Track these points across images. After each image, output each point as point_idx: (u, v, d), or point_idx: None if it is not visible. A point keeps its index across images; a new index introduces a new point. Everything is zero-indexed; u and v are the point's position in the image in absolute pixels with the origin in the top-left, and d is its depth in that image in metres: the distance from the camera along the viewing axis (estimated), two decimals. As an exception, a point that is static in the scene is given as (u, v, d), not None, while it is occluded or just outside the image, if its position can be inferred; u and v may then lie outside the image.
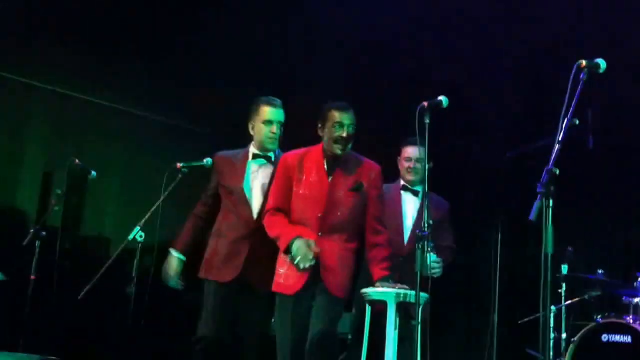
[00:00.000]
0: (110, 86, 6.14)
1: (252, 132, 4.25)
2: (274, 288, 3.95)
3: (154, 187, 4.47)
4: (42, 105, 5.95)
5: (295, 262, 3.77)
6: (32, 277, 4.60)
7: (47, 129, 5.96)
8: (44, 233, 4.62)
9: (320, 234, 3.87)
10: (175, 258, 4.25)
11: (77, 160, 4.82)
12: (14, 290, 4.97)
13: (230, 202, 4.20)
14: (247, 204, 4.15)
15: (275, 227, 3.93)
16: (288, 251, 3.82)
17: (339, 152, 3.93)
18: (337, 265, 3.87)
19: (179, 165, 4.40)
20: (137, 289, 4.25)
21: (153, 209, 4.34)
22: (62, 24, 5.91)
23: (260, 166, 4.21)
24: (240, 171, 4.21)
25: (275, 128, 4.16)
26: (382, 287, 3.86)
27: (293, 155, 4.03)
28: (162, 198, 4.39)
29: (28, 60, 5.80)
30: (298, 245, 3.78)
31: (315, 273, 3.84)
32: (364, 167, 4.00)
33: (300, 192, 3.93)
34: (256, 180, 4.19)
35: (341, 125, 3.91)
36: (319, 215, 3.87)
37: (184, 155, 4.61)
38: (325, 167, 3.96)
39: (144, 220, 4.27)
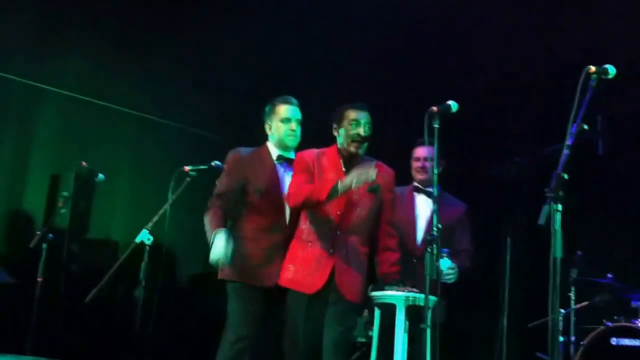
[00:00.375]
0: (118, 89, 6.15)
1: (269, 132, 4.20)
2: (286, 284, 3.85)
3: (162, 190, 4.47)
4: (50, 108, 5.97)
5: (357, 179, 3.59)
6: (39, 279, 4.60)
7: (55, 131, 5.96)
8: (50, 235, 4.61)
9: (339, 232, 3.83)
10: (224, 235, 3.97)
11: (84, 163, 4.83)
12: (20, 293, 4.98)
13: (262, 205, 4.05)
14: (282, 207, 4.03)
15: (304, 189, 3.78)
16: (334, 192, 3.66)
17: (353, 149, 3.88)
18: (353, 269, 3.82)
19: (187, 168, 4.39)
20: (144, 292, 4.24)
21: (161, 211, 4.33)
22: (70, 27, 5.92)
23: (285, 169, 4.14)
24: (271, 172, 4.11)
25: (294, 125, 4.13)
26: (392, 290, 3.85)
27: (309, 152, 4.00)
28: (169, 201, 4.38)
29: (37, 63, 5.81)
30: (352, 173, 3.64)
31: (331, 275, 3.78)
32: (378, 170, 3.98)
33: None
34: (285, 183, 4.08)
35: (357, 122, 3.88)
36: (338, 213, 3.84)
37: (191, 158, 4.59)
38: (342, 166, 3.93)
39: (151, 223, 4.25)
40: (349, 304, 3.78)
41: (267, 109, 4.23)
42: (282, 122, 4.13)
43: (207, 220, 4.09)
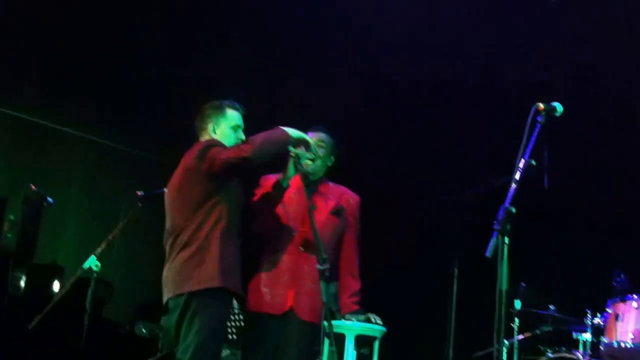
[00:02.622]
0: (70, 112, 6.08)
1: (212, 135, 3.76)
2: (255, 307, 3.69)
3: (113, 215, 4.41)
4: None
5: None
6: (-18, 305, 4.49)
7: (3, 153, 5.86)
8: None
9: (301, 252, 3.76)
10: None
11: (33, 186, 4.75)
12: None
13: (229, 218, 3.61)
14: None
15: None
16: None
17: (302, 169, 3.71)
18: (315, 289, 3.63)
19: (139, 192, 4.33)
20: (90, 319, 4.15)
21: (110, 237, 4.26)
22: (22, 52, 5.86)
23: None
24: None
25: (242, 134, 3.77)
26: (351, 320, 3.82)
27: (274, 176, 3.82)
28: (119, 226, 4.32)
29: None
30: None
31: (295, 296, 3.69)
32: (343, 195, 3.97)
33: (282, 207, 3.80)
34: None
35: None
36: (301, 230, 3.77)
37: (144, 182, 4.54)
38: (305, 189, 3.77)
39: (100, 249, 4.18)
40: (310, 327, 3.68)
41: (213, 109, 3.80)
42: (232, 129, 3.77)
43: (260, 144, 3.53)
